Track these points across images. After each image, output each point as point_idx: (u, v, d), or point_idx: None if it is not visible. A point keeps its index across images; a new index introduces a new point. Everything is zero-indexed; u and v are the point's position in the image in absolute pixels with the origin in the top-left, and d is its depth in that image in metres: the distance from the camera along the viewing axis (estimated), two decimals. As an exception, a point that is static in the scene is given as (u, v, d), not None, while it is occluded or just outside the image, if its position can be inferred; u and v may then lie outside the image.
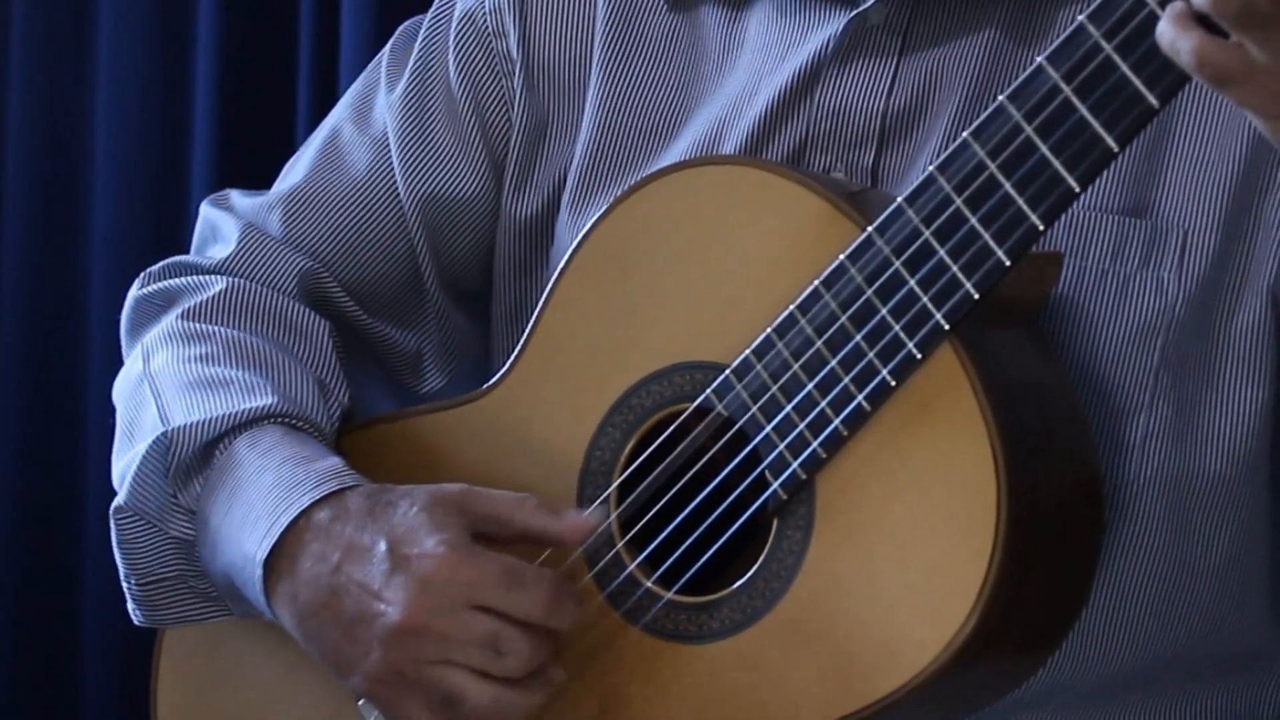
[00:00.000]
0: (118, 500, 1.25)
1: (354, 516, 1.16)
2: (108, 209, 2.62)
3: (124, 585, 1.27)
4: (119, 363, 1.48)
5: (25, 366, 2.64)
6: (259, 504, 1.20)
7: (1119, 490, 1.22)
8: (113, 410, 1.37)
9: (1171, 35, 0.98)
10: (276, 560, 1.18)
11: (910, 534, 1.10)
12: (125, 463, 1.27)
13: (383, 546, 1.14)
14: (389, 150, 1.37)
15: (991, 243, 1.09)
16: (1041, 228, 1.08)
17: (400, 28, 1.43)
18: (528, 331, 1.25)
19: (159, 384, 1.27)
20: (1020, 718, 1.22)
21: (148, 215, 2.58)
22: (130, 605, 1.28)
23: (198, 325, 1.31)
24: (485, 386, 1.26)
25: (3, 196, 2.70)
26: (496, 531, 1.16)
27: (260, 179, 1.55)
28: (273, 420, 1.24)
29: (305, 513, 1.17)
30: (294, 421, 1.25)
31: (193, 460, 1.23)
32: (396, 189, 1.37)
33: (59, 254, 2.65)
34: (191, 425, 1.23)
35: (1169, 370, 1.23)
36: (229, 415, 1.23)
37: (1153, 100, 1.05)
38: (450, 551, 1.13)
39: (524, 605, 1.12)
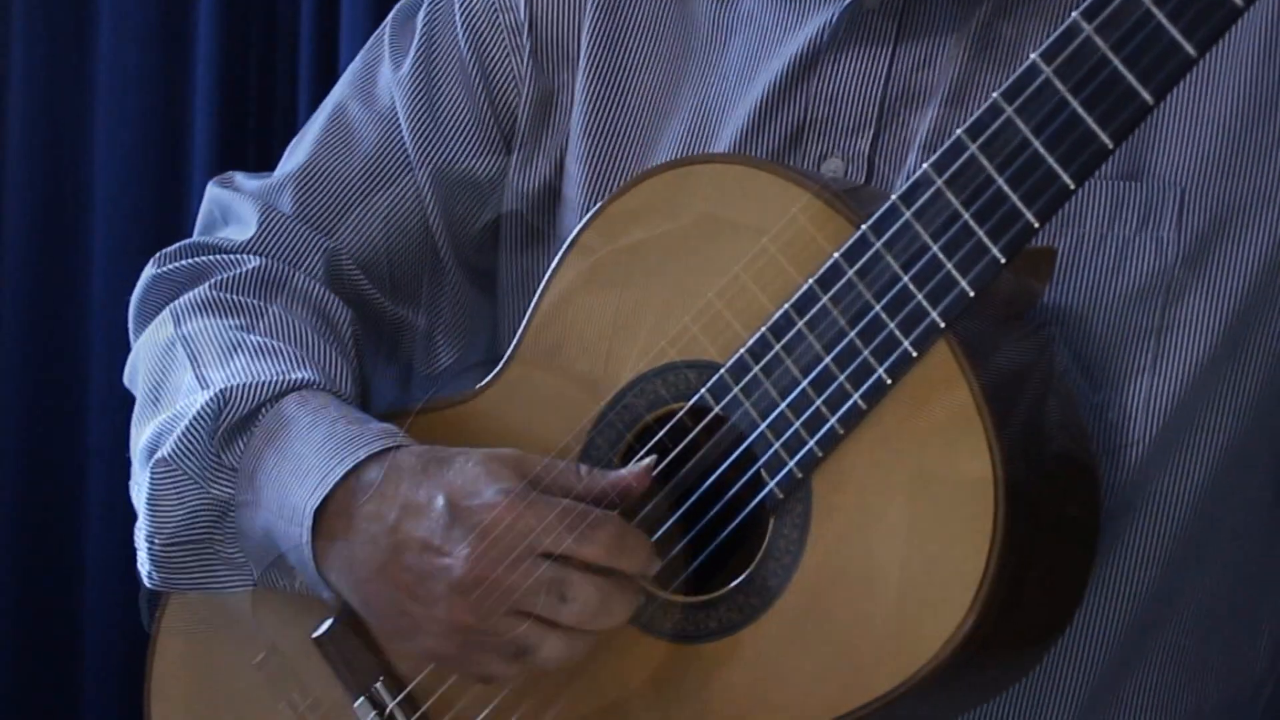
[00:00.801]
0: (160, 452, 1.22)
1: (408, 474, 1.15)
2: (107, 209, 2.63)
3: (145, 546, 1.24)
4: (120, 363, 1.47)
5: (26, 367, 2.65)
6: (310, 458, 1.18)
7: (1123, 453, 1.22)
8: (113, 410, 1.36)
9: None
10: (328, 519, 1.16)
11: (908, 530, 1.10)
12: (162, 422, 1.24)
13: (441, 501, 1.13)
14: (398, 127, 1.36)
15: (986, 240, 1.09)
16: (1037, 225, 1.08)
17: (398, 4, 1.42)
18: (523, 326, 1.25)
19: (195, 346, 1.26)
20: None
21: (148, 214, 2.59)
22: (147, 567, 1.25)
23: (235, 296, 1.30)
24: (480, 385, 1.26)
25: (2, 196, 2.71)
26: (551, 486, 1.15)
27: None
28: (317, 388, 1.23)
29: (358, 469, 1.16)
30: (337, 392, 1.24)
31: (240, 420, 1.21)
32: (409, 165, 1.36)
33: (59, 253, 2.66)
34: (245, 386, 1.21)
35: (1170, 331, 1.24)
36: (281, 381, 1.22)
37: (1147, 96, 1.05)
38: (510, 499, 1.12)
39: (588, 548, 1.11)
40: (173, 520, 1.23)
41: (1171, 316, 1.23)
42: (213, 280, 1.31)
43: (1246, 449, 1.26)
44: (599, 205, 1.22)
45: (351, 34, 2.43)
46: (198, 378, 1.23)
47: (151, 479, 1.23)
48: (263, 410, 1.21)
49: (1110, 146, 1.06)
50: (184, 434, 1.21)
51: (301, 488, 1.17)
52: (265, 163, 2.31)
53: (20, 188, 2.68)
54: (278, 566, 1.22)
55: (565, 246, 1.23)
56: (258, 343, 1.26)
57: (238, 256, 1.34)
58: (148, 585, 1.26)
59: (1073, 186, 1.08)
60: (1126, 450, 1.23)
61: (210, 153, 2.55)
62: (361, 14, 2.42)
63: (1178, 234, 1.23)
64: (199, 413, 1.21)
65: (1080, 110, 1.07)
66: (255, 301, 1.30)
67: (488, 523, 1.12)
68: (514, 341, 1.25)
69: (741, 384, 1.15)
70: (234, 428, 1.21)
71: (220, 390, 1.21)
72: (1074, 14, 1.06)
